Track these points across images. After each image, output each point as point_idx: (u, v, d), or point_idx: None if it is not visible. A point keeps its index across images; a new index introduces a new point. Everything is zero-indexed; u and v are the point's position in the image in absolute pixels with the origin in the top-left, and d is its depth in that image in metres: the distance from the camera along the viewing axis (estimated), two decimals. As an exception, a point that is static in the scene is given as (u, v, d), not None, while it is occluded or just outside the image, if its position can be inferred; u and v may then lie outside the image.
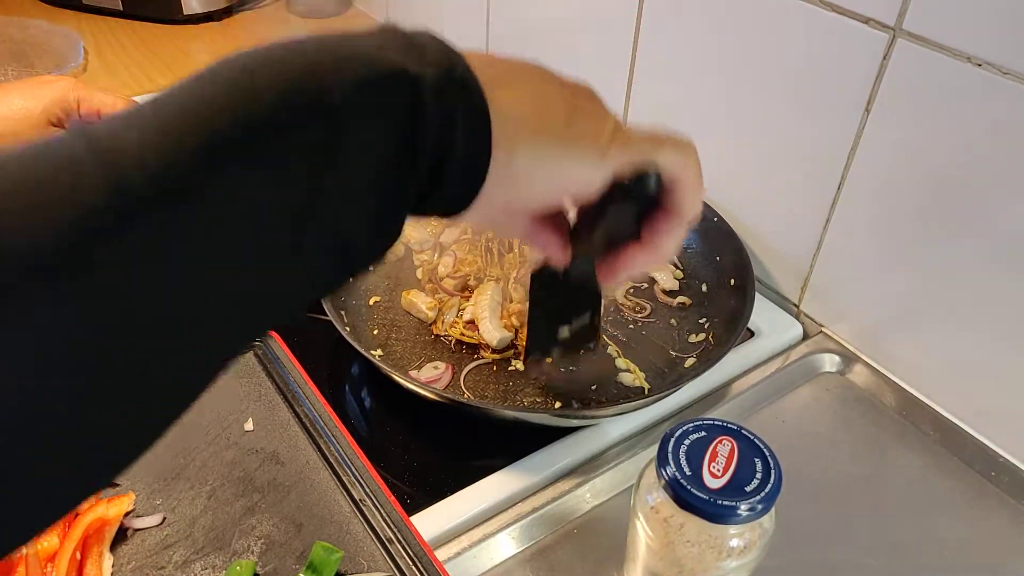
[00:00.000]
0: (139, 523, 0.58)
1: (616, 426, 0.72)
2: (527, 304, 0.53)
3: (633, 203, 0.41)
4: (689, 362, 0.78)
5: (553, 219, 0.44)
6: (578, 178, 0.38)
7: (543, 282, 0.49)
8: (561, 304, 0.50)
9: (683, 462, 0.48)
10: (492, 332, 0.77)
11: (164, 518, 0.58)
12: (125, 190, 0.26)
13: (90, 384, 0.26)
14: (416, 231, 0.90)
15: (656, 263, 0.44)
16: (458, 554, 0.62)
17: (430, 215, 0.36)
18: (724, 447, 0.49)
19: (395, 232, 0.33)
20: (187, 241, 0.27)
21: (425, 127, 0.31)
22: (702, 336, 0.81)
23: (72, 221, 0.25)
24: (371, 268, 0.37)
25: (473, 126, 0.33)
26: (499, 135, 0.34)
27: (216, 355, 0.30)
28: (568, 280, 0.46)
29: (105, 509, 0.56)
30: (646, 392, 0.75)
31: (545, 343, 0.52)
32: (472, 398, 0.74)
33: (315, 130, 0.29)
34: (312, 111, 0.29)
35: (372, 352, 0.74)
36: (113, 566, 0.55)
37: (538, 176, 0.37)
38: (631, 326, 0.82)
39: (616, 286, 0.44)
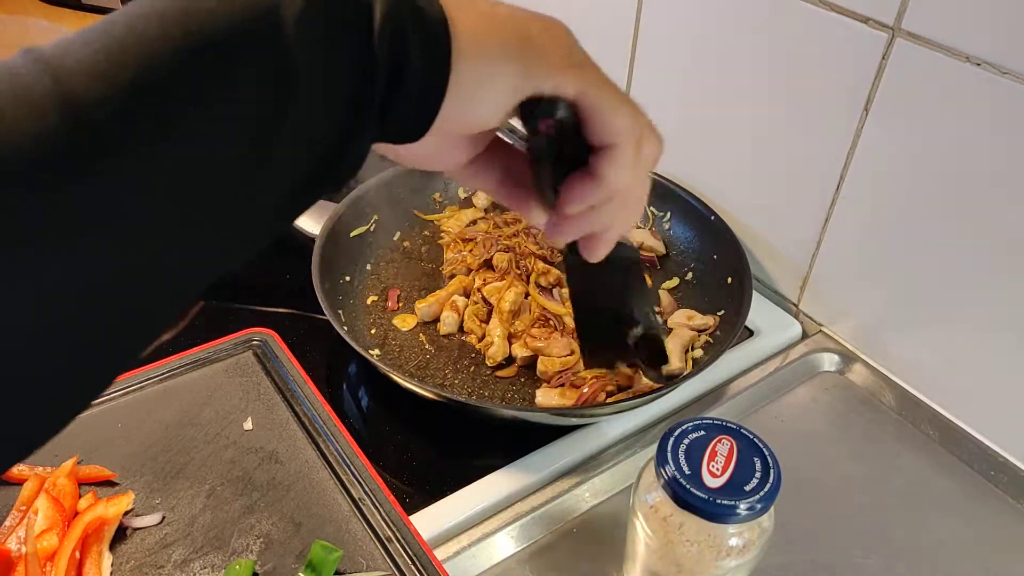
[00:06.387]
0: (138, 522, 0.58)
1: (615, 425, 0.72)
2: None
3: (569, 133, 0.39)
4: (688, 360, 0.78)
5: (513, 176, 0.44)
6: (520, 93, 0.37)
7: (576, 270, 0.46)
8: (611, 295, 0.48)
9: (682, 461, 0.48)
10: (498, 346, 0.78)
11: (163, 517, 0.58)
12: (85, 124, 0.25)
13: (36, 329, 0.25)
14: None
15: (606, 196, 0.40)
16: (457, 553, 0.62)
17: (392, 139, 0.35)
18: (723, 446, 0.49)
19: (358, 155, 0.33)
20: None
21: (381, 43, 0.31)
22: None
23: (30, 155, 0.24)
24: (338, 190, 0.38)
25: (431, 41, 0.33)
26: (457, 49, 0.33)
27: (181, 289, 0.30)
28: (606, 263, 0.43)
29: (104, 508, 0.56)
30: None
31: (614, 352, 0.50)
32: (472, 398, 0.74)
33: (267, 61, 0.28)
34: (264, 39, 0.28)
35: (370, 351, 0.74)
36: (112, 565, 0.55)
37: (490, 88, 0.36)
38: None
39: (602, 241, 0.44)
